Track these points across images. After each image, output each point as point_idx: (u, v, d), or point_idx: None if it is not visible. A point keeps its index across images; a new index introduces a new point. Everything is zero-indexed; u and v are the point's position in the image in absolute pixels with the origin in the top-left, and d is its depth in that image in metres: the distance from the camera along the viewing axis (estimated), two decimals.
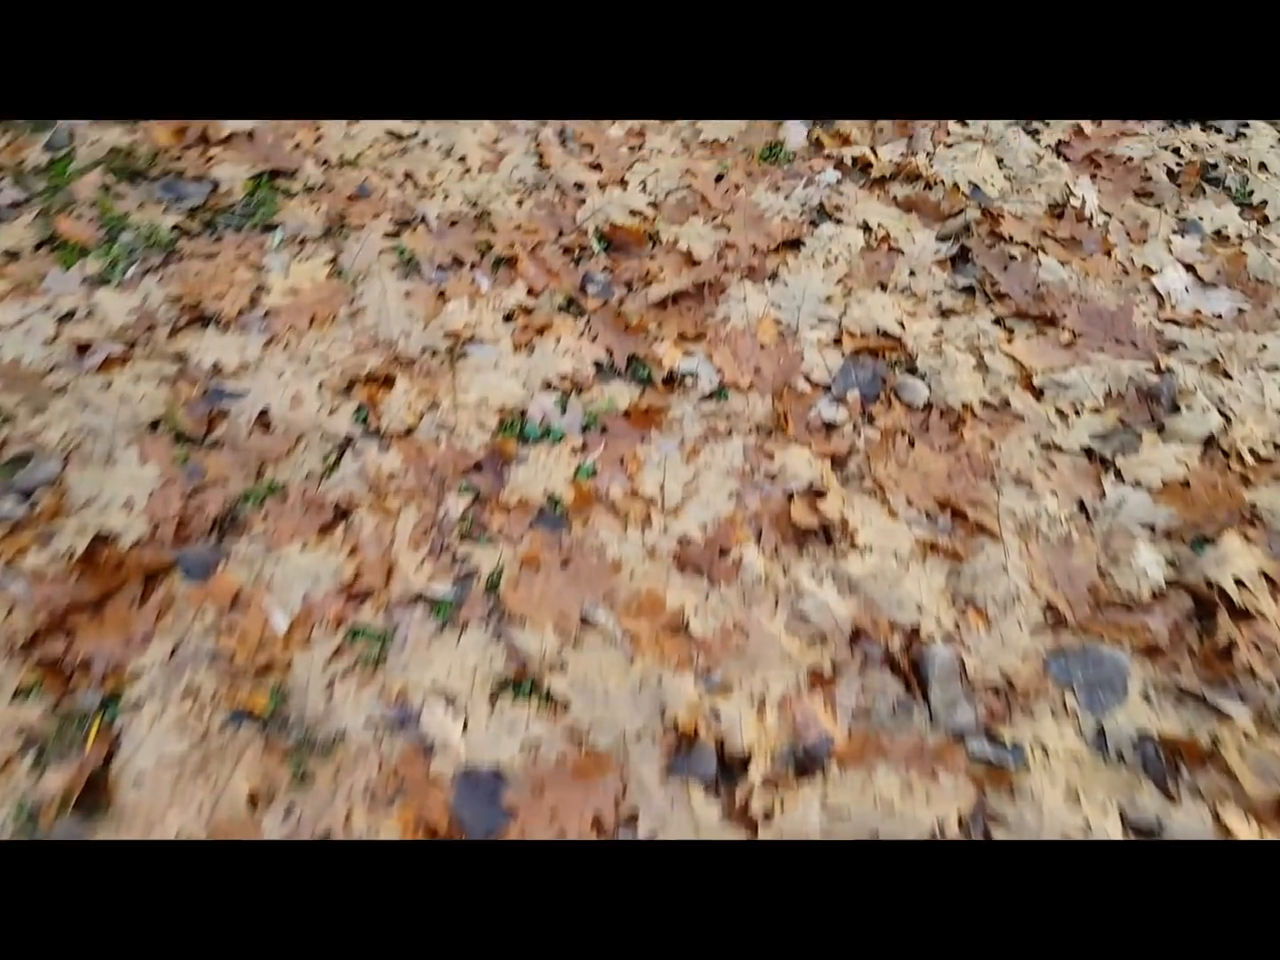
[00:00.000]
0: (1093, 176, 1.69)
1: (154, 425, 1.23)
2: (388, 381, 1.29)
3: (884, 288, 1.48)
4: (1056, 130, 1.77)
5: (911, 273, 1.51)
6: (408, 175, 1.58)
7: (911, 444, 1.27)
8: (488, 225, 1.53)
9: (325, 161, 1.60)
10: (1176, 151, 1.74)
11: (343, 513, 1.16)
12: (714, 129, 1.73)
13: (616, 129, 1.71)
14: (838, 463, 1.24)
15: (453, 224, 1.53)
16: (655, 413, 1.29)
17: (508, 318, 1.40)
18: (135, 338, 1.32)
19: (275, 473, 1.19)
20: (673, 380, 1.33)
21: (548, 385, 1.31)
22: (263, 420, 1.24)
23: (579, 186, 1.59)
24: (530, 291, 1.44)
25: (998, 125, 1.77)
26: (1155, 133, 1.79)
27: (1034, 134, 1.77)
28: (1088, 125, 1.78)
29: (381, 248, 1.46)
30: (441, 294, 1.42)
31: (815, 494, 1.19)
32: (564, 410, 1.29)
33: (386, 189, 1.56)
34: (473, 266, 1.46)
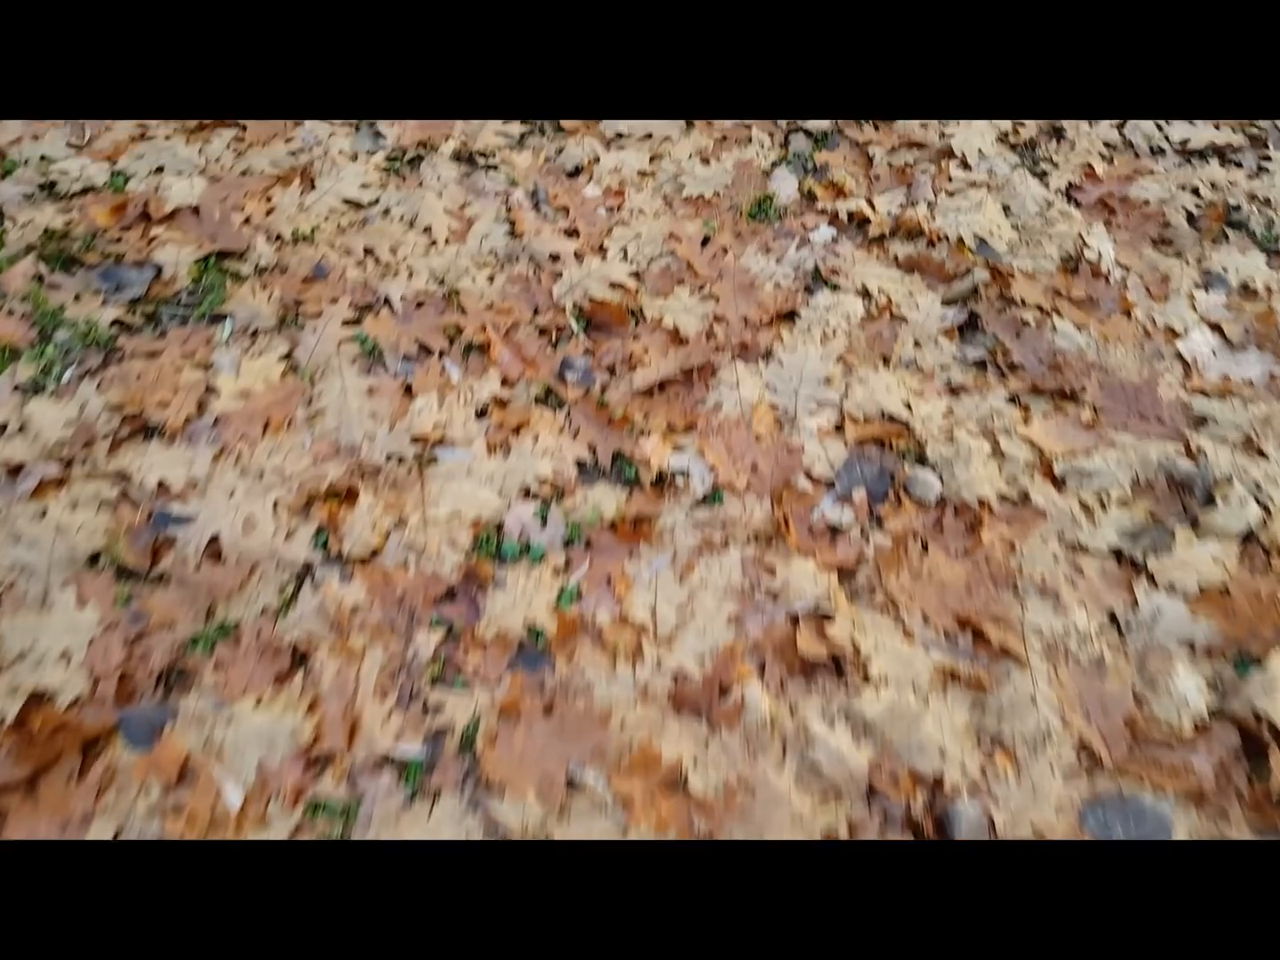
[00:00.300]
0: (1107, 224, 1.58)
1: (94, 559, 1.11)
2: (350, 496, 1.18)
3: (887, 362, 1.37)
4: (1065, 172, 1.66)
5: (916, 344, 1.40)
6: (368, 251, 1.46)
7: (925, 549, 1.17)
8: (457, 306, 1.41)
9: (278, 238, 1.48)
10: (1195, 192, 1.63)
11: (301, 656, 1.05)
12: (697, 184, 1.61)
13: (593, 188, 1.60)
14: (845, 575, 1.14)
15: (419, 305, 1.41)
16: (644, 522, 1.18)
17: (481, 413, 1.29)
18: (72, 455, 1.20)
19: (227, 611, 1.08)
20: (662, 481, 1.22)
21: (526, 492, 1.20)
22: (213, 549, 1.13)
23: (554, 258, 1.47)
24: (505, 381, 1.33)
25: (1003, 168, 1.66)
26: (1171, 170, 1.68)
27: (1042, 176, 1.66)
28: (1099, 165, 1.66)
29: (341, 337, 1.35)
30: (408, 389, 1.30)
31: (822, 617, 1.08)
32: (544, 521, 1.18)
33: (345, 267, 1.44)
34: (441, 355, 1.35)
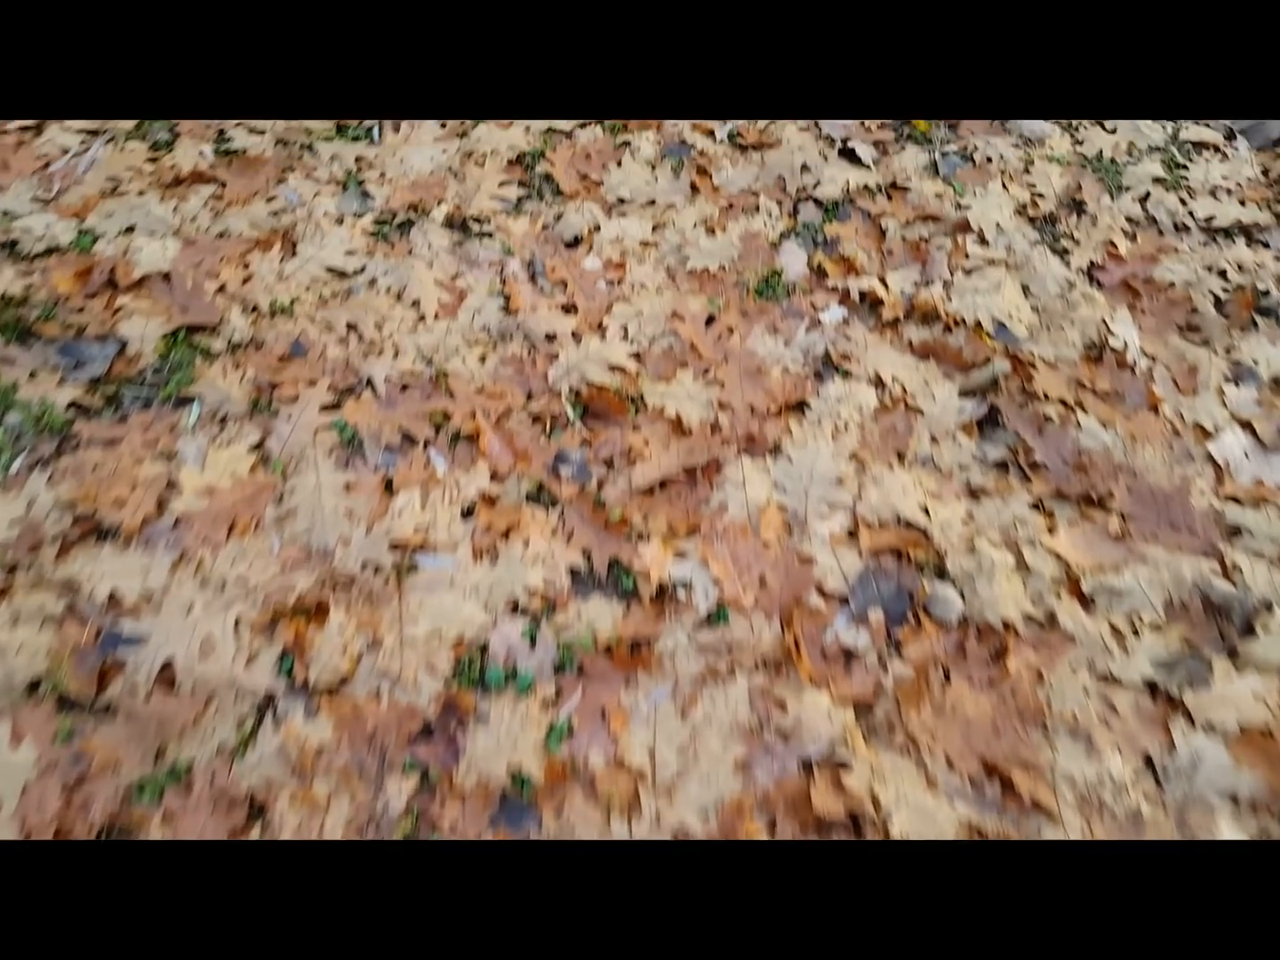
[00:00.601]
0: (1131, 307, 1.50)
1: (33, 686, 1.01)
2: (320, 612, 1.08)
3: (902, 459, 1.29)
4: (1087, 249, 1.59)
5: (933, 439, 1.32)
6: (351, 327, 1.37)
7: (948, 678, 1.08)
8: (445, 389, 1.32)
9: (254, 309, 1.38)
10: (1223, 274, 1.56)
11: (259, 808, 0.95)
12: (701, 256, 1.53)
13: (592, 260, 1.51)
14: (862, 710, 1.05)
15: (404, 388, 1.32)
16: (642, 645, 1.08)
17: (467, 513, 1.19)
18: (16, 560, 1.09)
19: (179, 750, 0.97)
20: (663, 595, 1.13)
21: (514, 606, 1.11)
22: (166, 675, 1.02)
23: (550, 338, 1.38)
24: (494, 475, 1.23)
25: (1021, 244, 1.58)
26: (1196, 248, 1.61)
27: (1063, 254, 1.58)
28: (1121, 243, 1.59)
29: (318, 425, 1.25)
30: (388, 484, 1.21)
31: (838, 765, 0.99)
32: (533, 642, 1.09)
33: (326, 345, 1.35)
34: (426, 445, 1.25)
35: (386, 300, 1.41)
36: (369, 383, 1.31)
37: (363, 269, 1.46)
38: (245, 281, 1.41)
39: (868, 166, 1.70)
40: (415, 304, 1.41)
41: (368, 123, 1.71)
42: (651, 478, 1.23)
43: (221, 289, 1.40)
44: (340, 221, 1.53)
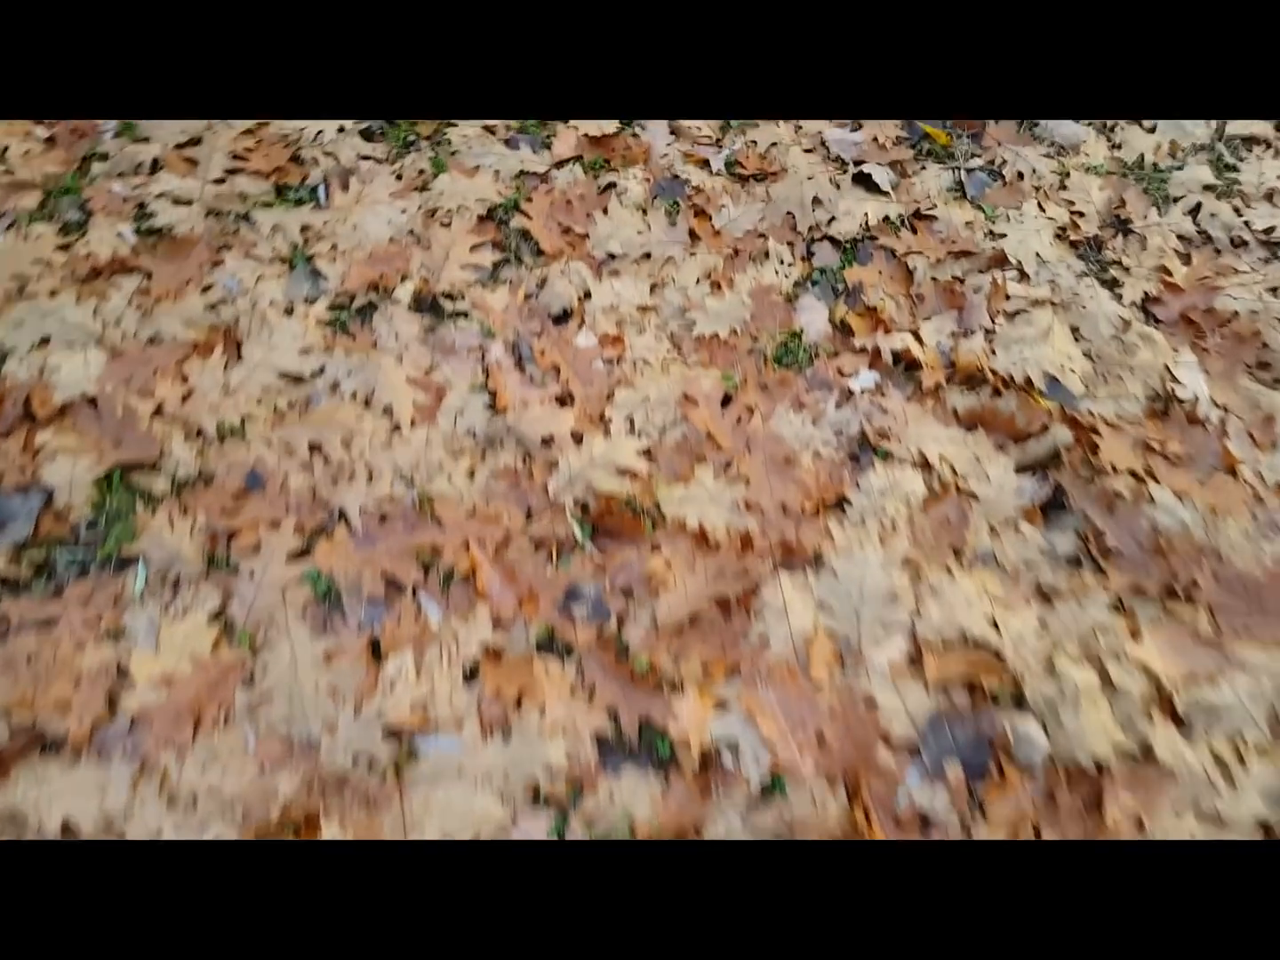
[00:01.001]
0: (1194, 346, 1.34)
1: None
2: (309, 826, 0.92)
3: (959, 558, 1.14)
4: (1139, 278, 1.41)
5: (993, 530, 1.16)
6: (314, 447, 1.18)
7: (1038, 836, 0.95)
8: (431, 516, 1.14)
9: (199, 434, 1.19)
10: None
11: None
12: (709, 320, 1.34)
13: (586, 336, 1.32)
14: None
15: (383, 520, 1.14)
16: (688, 831, 0.94)
17: (470, 675, 1.03)
18: None
19: None
20: (707, 765, 0.98)
21: (535, 794, 0.96)
22: None
23: (547, 442, 1.20)
24: (497, 622, 1.07)
25: (1066, 277, 1.41)
26: (1258, 267, 1.44)
27: (1113, 286, 1.41)
28: (1176, 267, 1.42)
29: (286, 579, 1.07)
30: (375, 647, 1.04)
31: None
32: (561, 838, 0.94)
33: (287, 473, 1.16)
34: (415, 590, 1.08)
35: (353, 409, 1.22)
36: (342, 516, 1.13)
37: (321, 370, 1.26)
38: (185, 399, 1.22)
39: (886, 194, 1.51)
40: (387, 410, 1.22)
41: (311, 182, 1.50)
42: (679, 612, 1.07)
43: (158, 411, 1.20)
44: (290, 311, 1.32)
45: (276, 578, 1.07)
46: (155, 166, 1.51)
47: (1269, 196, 1.54)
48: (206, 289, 1.34)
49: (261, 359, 1.26)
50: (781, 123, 1.63)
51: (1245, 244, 1.47)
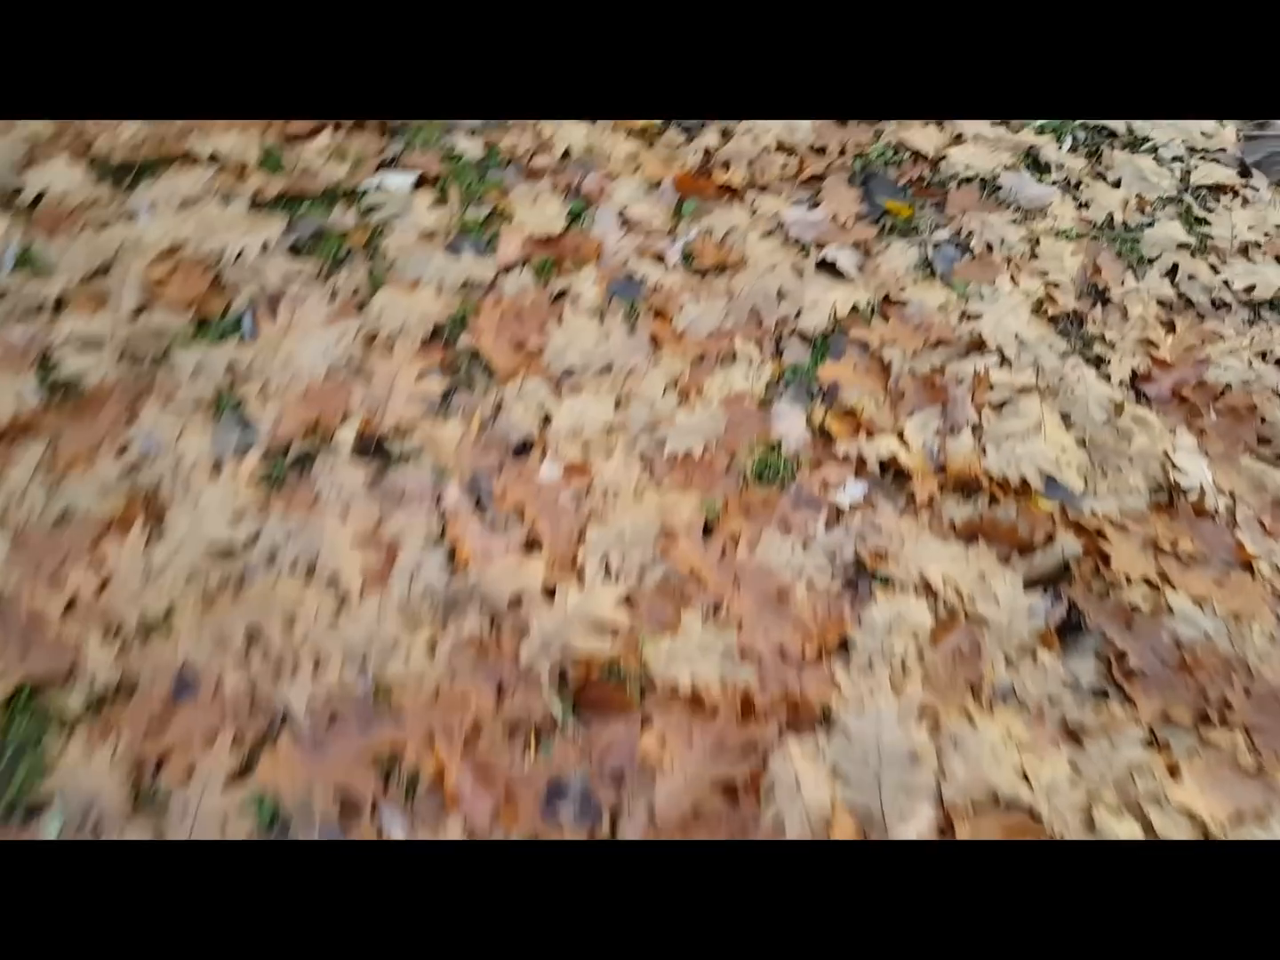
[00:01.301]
0: (1189, 426, 1.28)
1: None
2: None
3: (978, 698, 1.04)
4: (1124, 353, 1.35)
5: (1008, 661, 1.07)
6: (251, 636, 1.04)
7: None
8: (388, 709, 1.01)
9: (118, 632, 1.04)
10: (1279, 363, 1.35)
11: None
12: (681, 436, 1.24)
13: (549, 467, 1.21)
14: None
15: (333, 720, 1.00)
16: None
17: None
18: None
19: None
20: None
21: None
22: None
23: (515, 602, 1.09)
24: (472, 836, 0.95)
25: (1049, 358, 1.34)
26: (1243, 330, 1.39)
27: (1099, 364, 1.34)
28: (1160, 337, 1.36)
29: (225, 808, 0.92)
30: None
31: None
32: None
33: (221, 671, 1.02)
34: (375, 807, 0.95)
35: (293, 583, 1.09)
36: (285, 719, 0.99)
37: (256, 537, 1.13)
38: (102, 588, 1.07)
39: (852, 280, 1.43)
40: (332, 581, 1.09)
41: (236, 310, 1.37)
42: (680, 801, 0.95)
43: (70, 606, 1.06)
44: (218, 468, 1.19)
45: (214, 808, 0.93)
46: (59, 305, 1.38)
47: (1244, 251, 1.49)
48: (122, 450, 1.20)
49: (188, 530, 1.12)
50: (736, 205, 1.55)
51: (1227, 305, 1.42)
